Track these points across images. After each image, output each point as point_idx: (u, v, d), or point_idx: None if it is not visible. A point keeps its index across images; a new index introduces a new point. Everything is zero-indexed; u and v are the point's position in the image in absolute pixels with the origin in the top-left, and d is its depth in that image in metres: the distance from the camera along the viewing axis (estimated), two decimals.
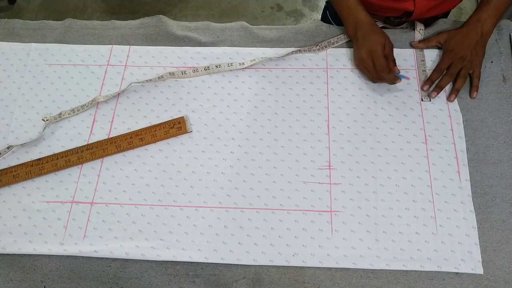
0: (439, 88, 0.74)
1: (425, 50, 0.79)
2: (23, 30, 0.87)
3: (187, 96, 0.78)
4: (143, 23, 0.86)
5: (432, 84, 0.75)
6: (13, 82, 0.80)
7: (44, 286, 0.64)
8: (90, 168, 0.72)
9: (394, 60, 0.74)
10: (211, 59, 0.81)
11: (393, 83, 0.73)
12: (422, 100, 0.75)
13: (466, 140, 0.71)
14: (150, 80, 0.78)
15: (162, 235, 0.67)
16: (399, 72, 0.73)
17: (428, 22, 0.84)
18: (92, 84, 0.80)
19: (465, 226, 0.65)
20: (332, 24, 0.86)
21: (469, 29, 0.74)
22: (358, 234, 0.65)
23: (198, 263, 0.65)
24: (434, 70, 0.76)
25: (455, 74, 0.74)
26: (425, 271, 0.63)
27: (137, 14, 1.88)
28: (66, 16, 0.90)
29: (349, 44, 0.81)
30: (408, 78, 0.74)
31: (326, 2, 1.03)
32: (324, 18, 1.02)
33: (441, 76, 0.75)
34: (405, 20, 0.82)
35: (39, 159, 0.72)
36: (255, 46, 0.82)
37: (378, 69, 0.72)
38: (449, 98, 0.74)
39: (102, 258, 0.66)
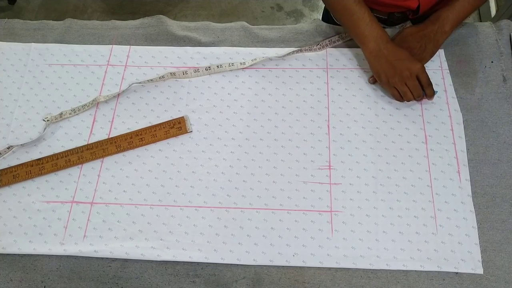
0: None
1: None
2: (23, 30, 0.87)
3: (187, 96, 0.78)
4: (143, 23, 0.86)
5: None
6: (13, 82, 0.81)
7: (44, 286, 0.64)
8: (90, 168, 0.72)
9: (430, 82, 0.71)
10: (211, 59, 0.81)
11: (432, 97, 0.72)
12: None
13: (466, 140, 0.71)
14: (151, 80, 0.78)
15: (162, 235, 0.67)
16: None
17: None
18: (92, 84, 0.80)
19: (465, 226, 0.65)
20: (334, 23, 0.86)
21: (426, 24, 0.74)
22: (358, 234, 0.65)
23: (198, 263, 0.65)
24: None
25: None
26: (425, 271, 0.63)
27: (137, 14, 1.89)
28: (66, 16, 0.90)
29: (350, 43, 0.82)
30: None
31: None
32: (325, 17, 1.02)
33: None
34: (412, 17, 0.82)
35: (39, 159, 0.72)
36: (255, 46, 0.82)
37: (426, 85, 0.70)
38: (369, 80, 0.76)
39: (102, 258, 0.66)
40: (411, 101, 0.73)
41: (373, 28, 0.71)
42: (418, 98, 0.72)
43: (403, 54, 0.70)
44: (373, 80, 0.76)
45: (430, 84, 0.71)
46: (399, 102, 0.74)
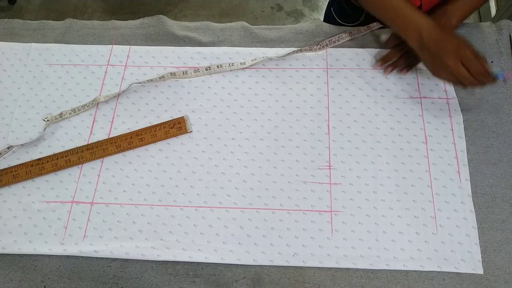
0: (383, 61, 0.77)
1: None
2: (23, 30, 0.87)
3: (187, 96, 0.78)
4: (143, 23, 0.86)
5: (385, 62, 0.77)
6: (13, 82, 0.81)
7: (44, 286, 0.64)
8: (90, 168, 0.72)
9: (485, 58, 0.65)
10: (211, 59, 0.81)
11: (493, 84, 0.66)
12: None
13: (466, 140, 0.71)
14: (151, 80, 0.78)
15: (162, 235, 0.67)
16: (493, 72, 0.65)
17: None
18: (92, 84, 0.80)
19: (465, 226, 0.65)
20: (335, 23, 0.86)
21: (434, 17, 0.73)
22: (358, 234, 0.65)
23: (198, 263, 0.65)
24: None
25: (404, 52, 0.74)
26: (425, 271, 0.63)
27: (137, 14, 1.88)
28: (66, 16, 0.90)
29: (350, 43, 0.82)
30: (508, 76, 0.68)
31: None
32: (327, 15, 1.02)
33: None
34: None
35: (39, 159, 0.72)
36: (255, 46, 0.82)
37: (475, 74, 0.63)
38: (401, 72, 0.76)
39: (102, 258, 0.66)
40: (473, 85, 0.66)
41: (413, 21, 0.67)
42: (483, 77, 0.64)
43: (452, 44, 0.65)
44: (381, 64, 0.76)
45: (480, 56, 0.64)
46: (398, 102, 0.75)
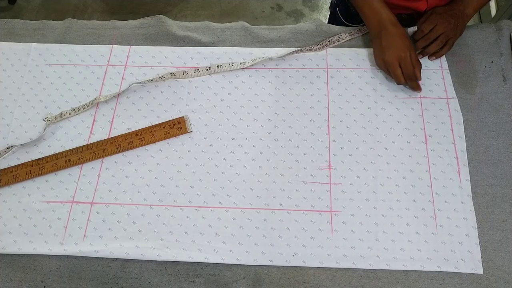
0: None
1: None
2: (23, 30, 0.87)
3: (187, 96, 0.78)
4: (143, 23, 0.86)
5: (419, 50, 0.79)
6: (13, 82, 0.81)
7: (44, 286, 0.64)
8: (90, 168, 0.72)
9: (420, 65, 0.74)
10: (211, 59, 0.81)
11: (415, 90, 0.74)
12: None
13: (466, 140, 0.71)
14: (151, 80, 0.78)
15: (162, 235, 0.67)
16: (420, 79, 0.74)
17: None
18: (92, 84, 0.80)
19: (465, 226, 0.65)
20: (343, 21, 0.86)
21: (452, 5, 0.77)
22: (358, 234, 0.65)
23: (198, 263, 0.65)
24: (416, 35, 0.78)
25: (433, 38, 0.75)
26: (425, 271, 0.63)
27: (137, 14, 1.89)
28: (66, 16, 0.90)
29: (350, 43, 0.82)
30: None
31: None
32: (333, 16, 1.02)
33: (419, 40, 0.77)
34: (418, 19, 0.83)
35: (39, 159, 0.72)
36: (255, 46, 0.82)
37: (406, 76, 0.73)
38: (430, 58, 0.78)
39: (102, 258, 0.66)
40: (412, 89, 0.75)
41: (377, 13, 0.75)
42: (410, 80, 0.74)
43: (397, 43, 0.73)
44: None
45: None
46: (398, 102, 0.75)
